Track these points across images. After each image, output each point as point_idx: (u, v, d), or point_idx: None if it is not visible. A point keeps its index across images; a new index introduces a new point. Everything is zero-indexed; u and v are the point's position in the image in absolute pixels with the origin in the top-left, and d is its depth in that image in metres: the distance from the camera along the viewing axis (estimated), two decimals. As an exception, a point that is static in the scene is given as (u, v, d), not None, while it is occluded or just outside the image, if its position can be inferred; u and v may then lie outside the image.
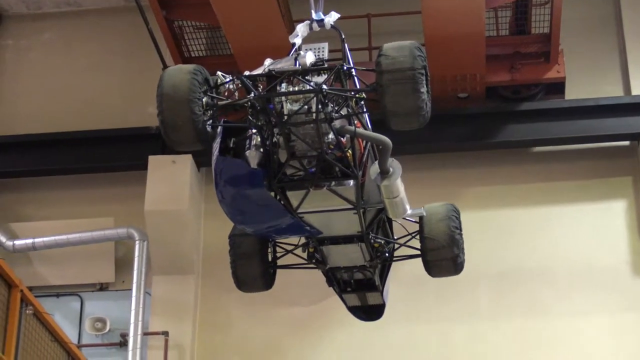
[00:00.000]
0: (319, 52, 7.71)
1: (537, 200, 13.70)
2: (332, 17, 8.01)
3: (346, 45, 7.82)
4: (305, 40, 7.80)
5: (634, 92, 13.82)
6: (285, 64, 7.52)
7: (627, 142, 13.74)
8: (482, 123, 13.62)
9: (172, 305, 13.50)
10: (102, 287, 14.09)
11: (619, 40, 14.20)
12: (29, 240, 13.76)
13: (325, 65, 7.53)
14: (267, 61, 7.60)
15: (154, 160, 13.71)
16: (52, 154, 14.27)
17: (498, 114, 13.68)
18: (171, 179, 13.58)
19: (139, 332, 12.94)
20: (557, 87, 13.70)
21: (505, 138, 13.66)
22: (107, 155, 14.19)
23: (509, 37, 13.53)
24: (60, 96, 15.03)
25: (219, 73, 7.64)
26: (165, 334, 13.27)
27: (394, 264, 9.22)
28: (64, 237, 13.70)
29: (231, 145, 7.79)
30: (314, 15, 8.00)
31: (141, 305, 13.09)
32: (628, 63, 13.99)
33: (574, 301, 13.13)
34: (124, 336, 13.27)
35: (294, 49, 7.74)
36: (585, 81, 13.84)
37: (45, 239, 13.72)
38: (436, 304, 13.26)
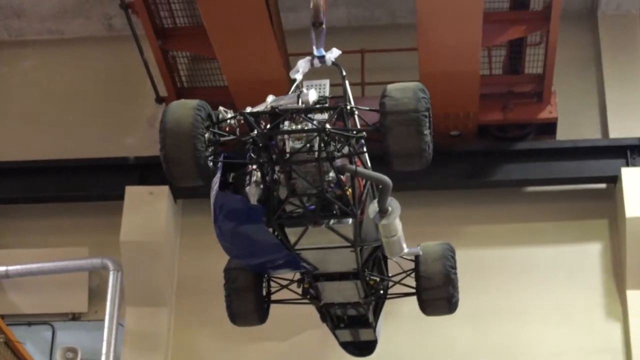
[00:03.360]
0: (320, 89, 7.76)
1: (516, 241, 13.74)
2: (333, 54, 8.04)
3: (347, 82, 7.88)
4: (307, 76, 7.87)
5: (612, 135, 13.86)
6: (288, 102, 7.54)
7: (603, 185, 13.75)
8: (472, 162, 13.68)
9: (145, 338, 13.39)
10: (75, 317, 13.97)
11: (598, 82, 14.26)
12: (2, 268, 13.61)
13: (328, 105, 7.55)
14: (270, 98, 7.62)
15: (131, 191, 13.65)
16: (29, 181, 14.20)
17: (481, 153, 13.74)
18: (148, 210, 13.52)
19: (111, 363, 12.87)
20: (549, 128, 13.76)
21: (490, 178, 13.72)
22: (84, 185, 14.13)
23: (503, 77, 13.60)
24: (39, 124, 14.98)
25: (221, 108, 7.67)
26: (137, 366, 13.20)
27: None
28: (37, 265, 13.59)
29: (230, 180, 7.82)
30: (315, 52, 8.03)
31: (113, 336, 12.98)
32: (606, 106, 14.05)
33: (549, 342, 13.13)
34: (95, 367, 13.18)
35: (295, 85, 7.83)
36: (565, 123, 13.86)
37: (18, 267, 13.60)
38: (411, 342, 13.21)
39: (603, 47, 14.39)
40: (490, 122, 13.64)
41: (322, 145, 7.33)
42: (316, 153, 7.35)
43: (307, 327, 13.03)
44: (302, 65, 7.99)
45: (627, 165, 13.46)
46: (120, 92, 14.87)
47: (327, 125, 7.32)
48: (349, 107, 7.50)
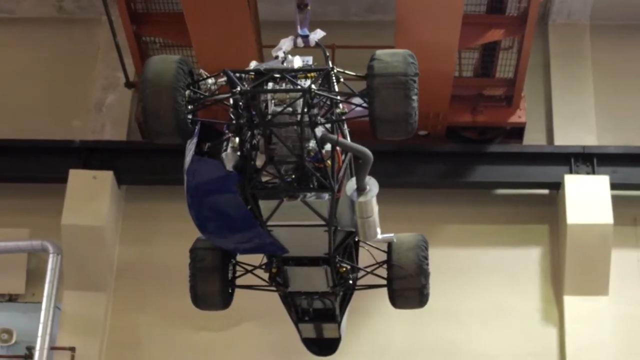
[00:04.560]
0: (303, 60, 7.63)
1: (459, 242, 13.79)
2: (317, 35, 7.98)
3: (330, 63, 7.68)
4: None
5: (557, 142, 13.98)
6: (271, 64, 7.43)
7: (547, 191, 13.86)
8: (420, 162, 13.71)
9: (82, 321, 13.27)
10: (12, 298, 13.80)
11: (546, 89, 14.37)
12: (-59, 246, 13.45)
13: (315, 66, 7.41)
14: (253, 63, 7.52)
15: (74, 175, 13.52)
16: (-28, 160, 14.00)
17: (442, 154, 13.77)
18: (91, 194, 13.41)
19: (46, 346, 12.75)
20: (516, 132, 13.83)
21: (428, 179, 13.76)
22: (28, 166, 13.98)
23: (474, 79, 13.59)
24: (-16, 102, 14.79)
25: (202, 70, 7.61)
26: (72, 349, 13.06)
27: None
28: (-24, 245, 13.42)
29: (205, 149, 7.66)
30: (299, 31, 7.97)
31: (50, 319, 12.87)
32: (553, 113, 14.15)
33: (485, 343, 13.21)
34: (30, 349, 12.99)
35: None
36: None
37: (-43, 246, 13.43)
38: (348, 339, 13.20)
39: (552, 55, 14.50)
40: (459, 124, 13.66)
41: (306, 108, 7.14)
42: (299, 116, 7.16)
43: (245, 318, 13.06)
44: (285, 44, 7.86)
45: (571, 172, 13.56)
46: (69, 75, 14.71)
47: (313, 87, 7.13)
48: (335, 70, 7.34)
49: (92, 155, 13.74)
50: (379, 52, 7.26)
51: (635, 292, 13.41)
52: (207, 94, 7.43)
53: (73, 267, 13.32)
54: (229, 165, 7.45)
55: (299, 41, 7.94)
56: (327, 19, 14.30)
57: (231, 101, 7.31)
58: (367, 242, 8.53)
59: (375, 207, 7.85)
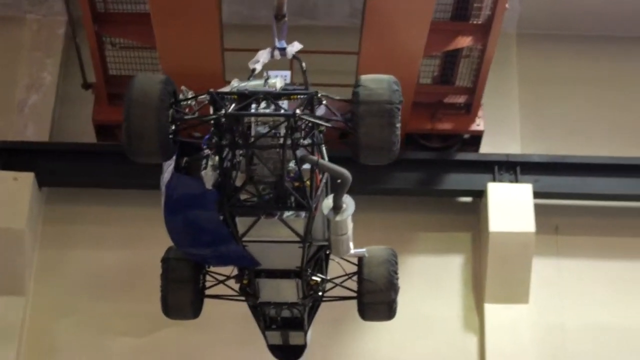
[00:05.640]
0: (283, 79, 7.68)
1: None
2: (294, 47, 7.97)
3: (307, 77, 7.79)
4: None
5: (482, 149, 14.07)
6: (254, 85, 7.44)
7: (470, 199, 13.94)
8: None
9: (-1, 326, 13.10)
10: None
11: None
12: None
13: (301, 90, 7.48)
14: (235, 81, 7.52)
15: (-7, 176, 13.30)
16: None
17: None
18: (10, 196, 13.19)
19: (-41, 350, 12.56)
20: (474, 140, 13.89)
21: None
22: (-54, 165, 13.72)
23: (435, 86, 13.60)
24: None
25: (184, 87, 7.54)
26: (-12, 354, 12.88)
27: None
28: None
29: (183, 164, 7.69)
30: (276, 43, 7.93)
31: (-35, 323, 12.68)
32: (478, 120, 14.25)
33: (406, 350, 13.26)
34: (-59, 353, 12.83)
35: (251, 74, 7.72)
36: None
37: None
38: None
39: (480, 63, 14.60)
40: (419, 131, 13.67)
41: (289, 131, 7.19)
42: (281, 139, 7.21)
43: (165, 325, 12.81)
44: (262, 56, 7.87)
45: (494, 180, 13.67)
46: (-5, 74, 14.50)
47: (298, 111, 7.17)
48: (319, 95, 7.38)
49: (13, 156, 13.54)
50: (364, 78, 7.34)
51: (555, 300, 13.55)
52: (189, 112, 7.47)
53: (-10, 270, 13.11)
54: (209, 184, 7.50)
55: (277, 53, 7.96)
56: (258, 22, 14.29)
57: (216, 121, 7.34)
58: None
59: (350, 225, 7.97)
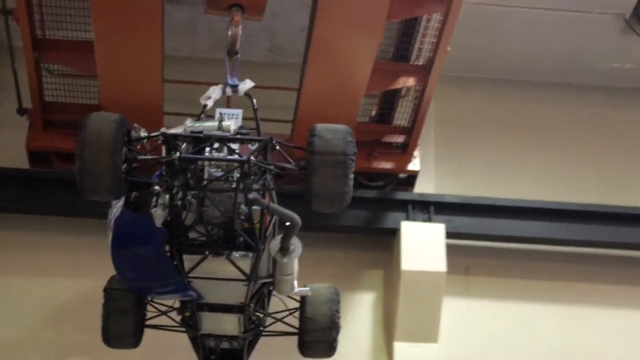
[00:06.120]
0: (235, 118, 7.89)
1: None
2: (246, 85, 8.20)
3: (258, 115, 8.04)
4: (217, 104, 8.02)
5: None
6: (208, 127, 7.59)
7: (384, 236, 14.03)
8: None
9: None
10: None
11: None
12: None
13: (256, 137, 7.68)
14: (188, 121, 7.66)
15: None
16: None
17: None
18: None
19: None
20: (409, 180, 14.05)
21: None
22: None
23: (371, 125, 13.69)
24: None
25: (136, 125, 7.61)
26: None
27: None
28: None
29: (132, 199, 7.76)
30: (228, 80, 8.15)
31: None
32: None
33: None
34: None
35: (202, 110, 7.89)
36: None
37: None
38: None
39: (396, 103, 14.75)
40: (355, 169, 13.63)
41: (243, 176, 7.35)
42: (234, 183, 7.37)
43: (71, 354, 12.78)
44: (214, 92, 8.04)
45: (408, 219, 13.76)
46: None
47: (252, 158, 7.35)
48: (274, 142, 7.57)
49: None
50: (320, 128, 7.54)
51: (464, 340, 13.72)
52: (141, 149, 7.63)
53: None
54: (158, 222, 7.57)
55: (228, 90, 8.14)
56: (177, 53, 14.34)
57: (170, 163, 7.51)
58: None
59: (296, 266, 8.14)
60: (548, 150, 15.06)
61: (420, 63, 12.98)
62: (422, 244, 13.55)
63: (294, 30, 14.25)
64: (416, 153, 13.85)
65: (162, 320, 9.08)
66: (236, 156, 7.45)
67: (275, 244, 7.94)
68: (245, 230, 7.65)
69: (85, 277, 12.60)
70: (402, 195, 14.04)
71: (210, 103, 7.94)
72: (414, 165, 13.89)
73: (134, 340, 8.93)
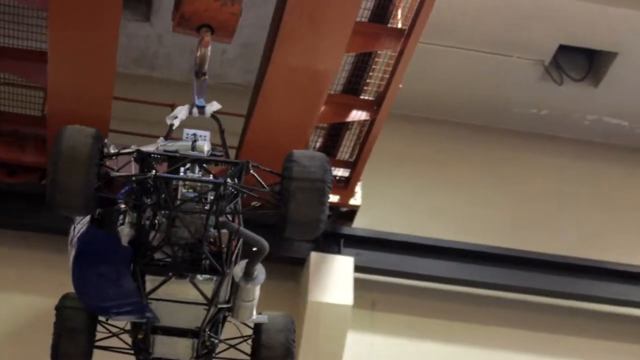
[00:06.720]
0: (204, 140, 7.75)
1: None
2: (213, 107, 8.08)
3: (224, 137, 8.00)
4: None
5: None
6: (181, 146, 7.54)
7: (293, 266, 13.88)
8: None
9: None
10: None
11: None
12: None
13: (232, 160, 7.64)
14: (160, 140, 7.59)
15: None
16: None
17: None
18: None
19: None
20: (349, 214, 13.93)
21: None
22: None
23: None
24: None
25: (107, 141, 7.47)
26: None
27: None
28: None
29: (97, 215, 7.61)
30: (195, 101, 8.05)
31: None
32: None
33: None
34: None
35: (170, 131, 7.82)
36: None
37: None
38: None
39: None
40: None
41: (217, 198, 7.30)
42: (207, 205, 7.33)
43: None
44: (180, 112, 7.96)
45: (317, 250, 13.68)
46: None
47: (229, 180, 7.30)
48: (250, 165, 7.52)
49: None
50: (297, 154, 7.51)
51: (366, 376, 13.58)
52: (113, 167, 7.50)
53: None
54: (124, 240, 7.49)
55: (195, 111, 8.05)
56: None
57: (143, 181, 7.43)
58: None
59: (257, 293, 8.05)
60: (463, 191, 15.16)
61: (370, 98, 12.99)
62: (330, 276, 13.51)
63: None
64: (357, 188, 13.80)
65: (113, 342, 8.82)
66: (212, 177, 7.47)
67: (239, 269, 7.87)
68: (212, 253, 7.57)
69: (37, 294, 12.46)
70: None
71: (176, 123, 7.88)
72: (355, 200, 13.85)
73: None
